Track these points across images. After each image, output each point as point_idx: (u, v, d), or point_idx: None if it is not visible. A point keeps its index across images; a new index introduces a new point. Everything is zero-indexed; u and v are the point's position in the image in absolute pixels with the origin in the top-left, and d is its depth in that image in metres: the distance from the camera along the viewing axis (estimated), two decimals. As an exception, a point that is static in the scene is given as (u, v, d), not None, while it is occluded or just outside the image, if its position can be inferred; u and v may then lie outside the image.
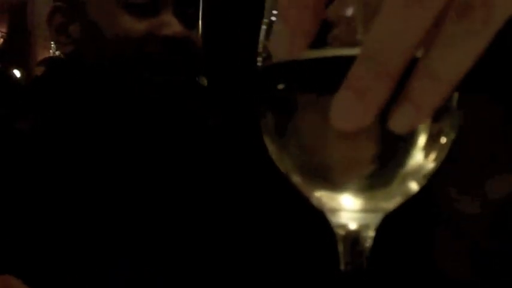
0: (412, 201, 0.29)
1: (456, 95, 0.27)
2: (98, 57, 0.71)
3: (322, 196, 0.28)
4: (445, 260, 0.46)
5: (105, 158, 0.70)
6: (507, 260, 0.44)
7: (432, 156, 0.26)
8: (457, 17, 0.21)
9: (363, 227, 0.28)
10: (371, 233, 0.28)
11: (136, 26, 0.67)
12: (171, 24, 0.67)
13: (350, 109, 0.22)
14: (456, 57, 0.21)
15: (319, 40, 0.26)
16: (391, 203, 0.28)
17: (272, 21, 0.28)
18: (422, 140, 0.26)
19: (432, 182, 0.28)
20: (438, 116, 0.26)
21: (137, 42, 0.67)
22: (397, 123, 0.23)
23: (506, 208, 0.43)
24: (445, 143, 0.27)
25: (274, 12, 0.28)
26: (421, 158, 0.26)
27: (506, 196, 0.43)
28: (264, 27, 0.29)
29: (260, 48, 0.29)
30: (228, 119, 0.81)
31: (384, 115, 0.25)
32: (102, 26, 0.69)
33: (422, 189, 0.28)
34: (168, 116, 0.72)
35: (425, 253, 0.47)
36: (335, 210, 0.28)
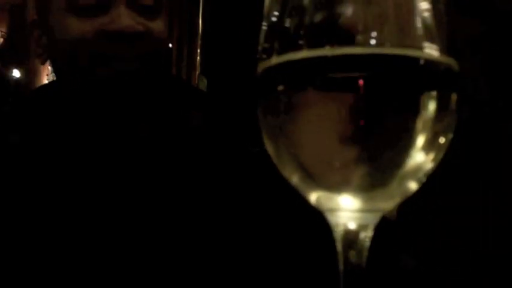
0: None
1: (455, 96, 0.27)
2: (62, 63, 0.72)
3: (320, 196, 0.28)
4: None
5: (89, 161, 0.71)
6: None
7: (430, 156, 0.27)
8: None
9: (362, 227, 0.28)
10: (370, 233, 0.29)
11: (85, 27, 0.66)
12: (121, 19, 0.66)
13: None
14: None
15: (318, 40, 0.26)
16: (390, 203, 0.28)
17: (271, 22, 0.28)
18: (420, 140, 0.26)
19: None
20: (437, 116, 0.26)
21: (89, 43, 0.66)
22: None
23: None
24: (443, 143, 0.27)
25: (275, 13, 0.28)
26: (419, 158, 0.26)
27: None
28: (263, 28, 0.29)
29: (259, 49, 0.29)
30: (209, 120, 0.80)
31: (383, 114, 0.25)
32: (56, 32, 0.69)
33: None
34: (149, 117, 0.72)
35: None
36: (334, 210, 0.28)
